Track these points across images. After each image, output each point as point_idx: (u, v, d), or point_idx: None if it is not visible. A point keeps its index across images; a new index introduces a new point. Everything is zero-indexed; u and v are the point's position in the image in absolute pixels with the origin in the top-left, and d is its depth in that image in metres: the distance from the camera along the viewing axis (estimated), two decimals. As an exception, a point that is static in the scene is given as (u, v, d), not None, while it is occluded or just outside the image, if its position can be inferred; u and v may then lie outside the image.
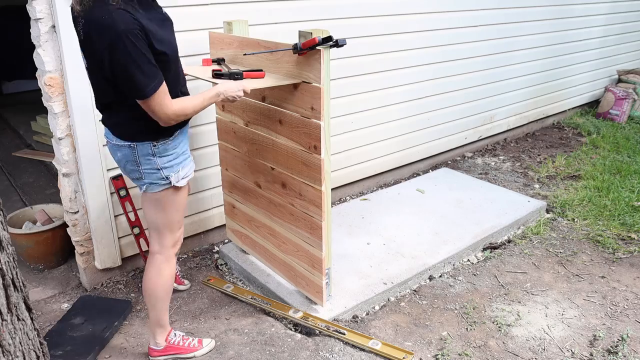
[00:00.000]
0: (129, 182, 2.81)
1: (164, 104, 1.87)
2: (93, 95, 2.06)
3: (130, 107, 1.91)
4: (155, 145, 2.00)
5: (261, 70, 2.30)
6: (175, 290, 2.85)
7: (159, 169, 2.04)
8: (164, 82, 1.87)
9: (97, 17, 1.78)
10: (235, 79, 2.20)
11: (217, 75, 2.26)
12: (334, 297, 2.69)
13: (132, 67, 1.78)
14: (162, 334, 2.33)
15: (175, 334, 2.38)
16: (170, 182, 2.07)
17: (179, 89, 2.05)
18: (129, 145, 2.00)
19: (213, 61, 2.59)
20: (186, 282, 2.91)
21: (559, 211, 3.80)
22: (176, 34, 2.71)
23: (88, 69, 1.96)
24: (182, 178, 2.12)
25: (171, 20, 2.06)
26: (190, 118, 2.08)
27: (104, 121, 2.08)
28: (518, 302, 2.80)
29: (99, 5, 1.78)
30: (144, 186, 2.09)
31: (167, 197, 2.11)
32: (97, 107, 2.08)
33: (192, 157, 2.21)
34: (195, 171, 3.02)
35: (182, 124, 2.07)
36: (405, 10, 3.78)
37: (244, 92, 2.10)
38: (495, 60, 4.72)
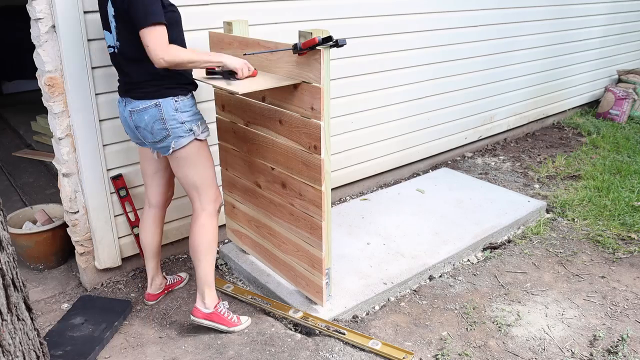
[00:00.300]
0: (129, 183, 2.81)
1: (161, 41, 2.03)
2: (118, 50, 2.22)
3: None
4: (176, 101, 2.22)
5: (254, 70, 2.30)
6: (175, 290, 2.86)
7: (183, 122, 2.24)
8: (165, 27, 2.04)
9: None
10: (227, 79, 2.24)
11: (210, 74, 2.29)
12: (334, 297, 2.69)
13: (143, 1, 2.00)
14: (212, 295, 2.44)
15: (223, 304, 2.50)
16: (194, 133, 2.27)
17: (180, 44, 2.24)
18: (155, 104, 2.20)
19: None
20: (183, 274, 2.96)
21: (559, 211, 3.80)
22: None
23: (115, 16, 2.14)
24: (202, 132, 2.32)
25: None
26: (197, 85, 2.33)
27: (128, 90, 2.25)
28: (518, 302, 2.80)
29: None
30: (172, 143, 2.25)
31: (194, 152, 2.30)
32: (121, 70, 2.27)
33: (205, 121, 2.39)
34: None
35: (191, 83, 2.30)
36: (405, 10, 3.78)
37: (246, 71, 2.22)
38: (495, 60, 4.72)
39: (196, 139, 2.29)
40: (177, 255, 3.21)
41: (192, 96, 2.32)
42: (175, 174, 2.40)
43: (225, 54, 2.34)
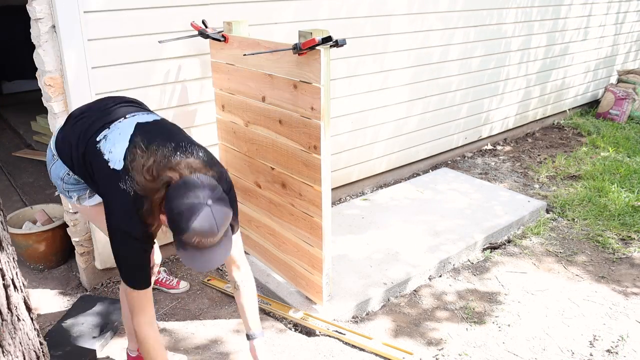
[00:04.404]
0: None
1: (140, 302, 1.82)
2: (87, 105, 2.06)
3: None
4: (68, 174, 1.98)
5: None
6: (174, 292, 2.85)
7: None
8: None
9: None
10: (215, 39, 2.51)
11: (201, 34, 2.54)
12: (333, 297, 2.69)
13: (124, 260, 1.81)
14: (134, 340, 2.29)
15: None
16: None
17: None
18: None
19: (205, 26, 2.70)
20: (183, 283, 2.90)
21: (559, 211, 3.80)
22: (176, 34, 2.70)
23: None
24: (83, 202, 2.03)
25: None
26: None
27: None
28: (518, 302, 2.80)
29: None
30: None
31: (94, 214, 2.06)
32: None
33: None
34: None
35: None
36: (405, 10, 3.77)
37: None
38: (495, 60, 4.72)
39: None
40: (176, 255, 3.21)
41: None
42: None
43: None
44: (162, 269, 2.91)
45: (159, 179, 1.61)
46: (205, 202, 1.56)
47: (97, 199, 2.00)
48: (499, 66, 4.78)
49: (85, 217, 2.14)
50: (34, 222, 3.12)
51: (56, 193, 2.66)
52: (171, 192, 1.59)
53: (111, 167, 1.75)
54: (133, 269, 1.79)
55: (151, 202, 1.63)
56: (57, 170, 1.99)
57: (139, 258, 1.78)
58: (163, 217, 1.65)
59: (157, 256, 2.20)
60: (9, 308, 1.54)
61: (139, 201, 1.65)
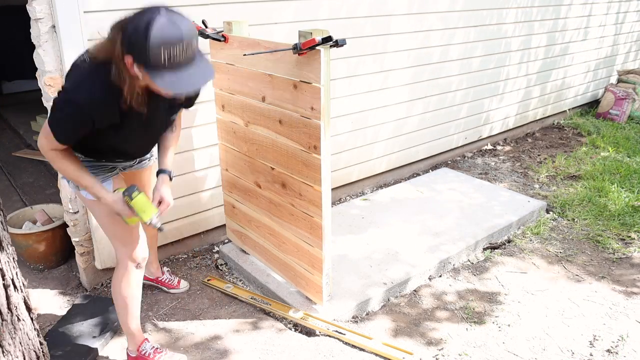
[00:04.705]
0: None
1: (50, 139, 1.81)
2: None
3: None
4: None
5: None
6: (174, 292, 2.86)
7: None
8: (66, 139, 1.82)
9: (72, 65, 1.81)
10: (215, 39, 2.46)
11: (201, 34, 2.41)
12: (333, 297, 2.69)
13: (55, 115, 1.77)
14: (132, 341, 2.31)
15: (146, 345, 2.32)
16: (78, 188, 2.02)
17: (108, 153, 2.02)
18: None
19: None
20: (184, 283, 2.91)
21: (559, 211, 3.80)
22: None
23: None
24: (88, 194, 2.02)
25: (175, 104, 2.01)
26: (116, 168, 2.11)
27: None
28: (518, 302, 2.80)
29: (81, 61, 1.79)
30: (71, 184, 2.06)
31: (91, 204, 2.07)
32: None
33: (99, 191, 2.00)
34: (195, 171, 3.04)
35: (98, 161, 2.04)
36: (405, 10, 3.78)
37: (118, 212, 1.98)
38: (495, 60, 4.72)
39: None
40: (176, 255, 3.21)
41: (94, 167, 2.03)
42: None
43: (110, 193, 1.97)
44: (166, 269, 2.91)
45: (110, 36, 1.66)
46: (157, 12, 1.58)
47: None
48: (499, 66, 4.78)
49: (90, 208, 2.13)
50: (34, 222, 3.12)
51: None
52: (125, 28, 1.61)
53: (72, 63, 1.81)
54: (62, 122, 1.77)
55: (115, 62, 1.65)
56: None
57: (74, 122, 1.76)
58: (133, 70, 1.64)
59: (143, 250, 2.19)
60: (9, 308, 1.54)
61: (102, 70, 1.67)
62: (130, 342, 2.32)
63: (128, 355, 2.35)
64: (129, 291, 2.21)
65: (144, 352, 2.31)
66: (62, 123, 1.77)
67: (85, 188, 1.95)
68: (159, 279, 2.84)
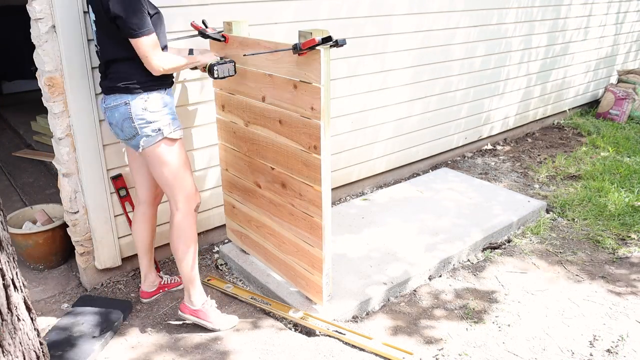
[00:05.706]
0: (129, 182, 2.81)
1: (155, 50, 2.14)
2: (99, 52, 2.30)
3: (128, 64, 2.20)
4: (146, 100, 2.24)
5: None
6: (175, 291, 2.86)
7: (151, 122, 2.25)
8: (155, 34, 2.14)
9: None
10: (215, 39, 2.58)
11: (201, 34, 2.54)
12: (333, 297, 2.69)
13: (128, 10, 2.06)
14: (196, 293, 2.46)
15: (210, 302, 2.52)
16: (162, 133, 2.28)
17: (164, 45, 2.33)
18: (125, 102, 2.24)
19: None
20: None
21: (559, 211, 3.80)
22: (177, 34, 2.71)
23: (95, 22, 2.20)
24: (173, 131, 2.31)
25: None
26: (173, 83, 2.39)
27: (102, 84, 2.33)
28: (518, 302, 2.80)
29: None
30: (141, 141, 2.27)
31: (164, 151, 2.31)
32: (100, 70, 2.34)
33: (179, 121, 2.40)
34: (195, 171, 3.04)
35: (165, 84, 2.31)
36: (405, 9, 3.78)
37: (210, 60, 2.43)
38: (495, 60, 4.72)
39: (166, 137, 2.29)
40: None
41: (168, 93, 2.34)
42: (151, 169, 2.40)
43: (198, 54, 2.49)
44: (162, 272, 2.92)
45: None
46: None
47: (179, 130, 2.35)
48: (499, 66, 4.78)
49: (167, 159, 2.35)
50: (34, 222, 3.12)
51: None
52: None
53: None
54: (138, 12, 2.08)
55: None
56: (137, 103, 2.25)
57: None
58: None
59: (199, 196, 2.46)
60: (9, 308, 1.55)
61: None
62: (192, 294, 2.45)
63: (184, 306, 2.48)
64: (190, 235, 2.40)
65: (206, 308, 2.48)
66: (138, 12, 2.08)
67: (192, 63, 2.35)
68: (162, 283, 2.83)
